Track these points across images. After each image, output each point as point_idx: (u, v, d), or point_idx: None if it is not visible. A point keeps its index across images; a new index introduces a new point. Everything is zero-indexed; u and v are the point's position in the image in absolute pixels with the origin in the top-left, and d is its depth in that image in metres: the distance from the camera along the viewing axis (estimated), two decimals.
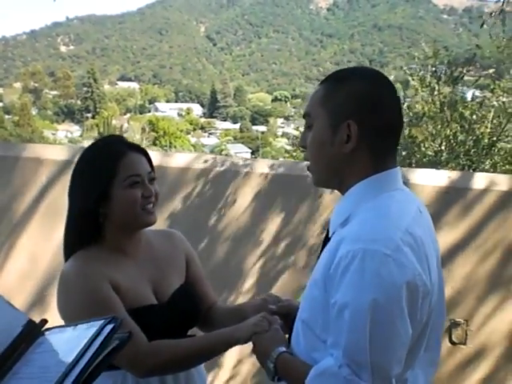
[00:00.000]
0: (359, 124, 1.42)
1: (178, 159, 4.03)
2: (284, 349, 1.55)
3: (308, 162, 1.56)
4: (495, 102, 6.61)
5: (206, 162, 3.95)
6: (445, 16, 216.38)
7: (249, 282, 3.80)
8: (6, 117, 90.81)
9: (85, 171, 1.87)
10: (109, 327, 1.17)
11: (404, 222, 1.39)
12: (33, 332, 1.27)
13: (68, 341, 1.21)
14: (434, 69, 6.91)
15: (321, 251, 1.54)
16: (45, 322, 1.31)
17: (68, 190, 1.90)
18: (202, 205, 3.88)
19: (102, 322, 1.18)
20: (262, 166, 3.88)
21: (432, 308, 1.43)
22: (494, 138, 6.43)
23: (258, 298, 1.99)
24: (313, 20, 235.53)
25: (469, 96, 7.30)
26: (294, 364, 1.51)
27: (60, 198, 4.03)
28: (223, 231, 3.85)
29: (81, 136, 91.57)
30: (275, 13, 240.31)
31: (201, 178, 3.88)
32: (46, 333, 1.28)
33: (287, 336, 1.62)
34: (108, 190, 1.81)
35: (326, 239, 1.55)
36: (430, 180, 3.49)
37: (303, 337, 1.48)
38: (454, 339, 3.36)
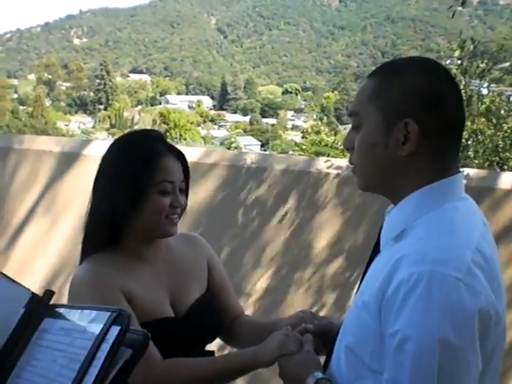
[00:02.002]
0: (418, 123, 1.25)
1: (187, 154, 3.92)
2: (321, 374, 1.36)
3: (352, 165, 1.39)
4: None
5: (214, 156, 3.83)
6: (459, 8, 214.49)
7: (258, 288, 3.67)
8: (21, 108, 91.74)
9: (122, 167, 1.69)
10: (115, 330, 0.99)
11: (473, 239, 1.23)
12: (37, 310, 1.15)
13: (72, 336, 1.06)
14: (459, 61, 6.72)
15: (367, 266, 1.39)
16: (51, 294, 1.18)
17: (96, 184, 1.74)
18: (209, 205, 3.75)
19: (107, 317, 1.01)
20: (275, 163, 3.74)
21: (500, 336, 1.26)
22: None
23: (293, 314, 1.79)
24: (324, 12, 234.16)
25: (485, 90, 7.12)
26: None
27: (63, 191, 4.02)
28: (233, 229, 3.71)
29: (93, 127, 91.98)
30: (286, 5, 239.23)
31: (209, 175, 3.75)
32: (53, 310, 1.15)
33: (325, 359, 1.45)
34: (146, 191, 1.66)
35: (375, 252, 1.38)
36: None
37: (346, 363, 1.31)
38: None
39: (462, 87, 6.39)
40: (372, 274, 1.31)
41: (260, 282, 3.65)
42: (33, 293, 1.16)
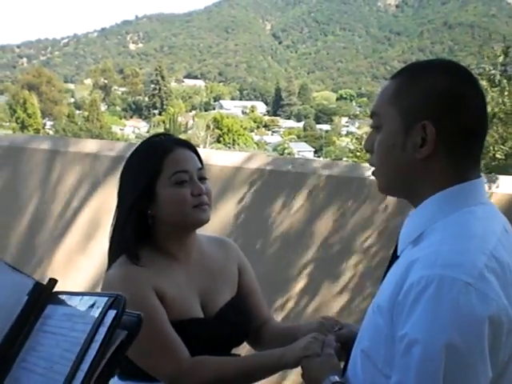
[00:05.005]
0: (437, 125, 1.23)
1: (230, 158, 3.95)
2: (337, 378, 1.37)
3: (373, 168, 1.37)
4: None
5: (256, 161, 3.85)
6: None
7: (299, 288, 3.68)
8: (77, 112, 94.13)
9: (131, 169, 1.79)
10: (112, 313, 1.03)
11: (489, 245, 1.19)
12: (41, 297, 1.18)
13: (73, 321, 1.10)
14: (504, 68, 6.55)
15: (386, 270, 1.36)
16: (54, 282, 1.20)
17: (117, 189, 1.82)
18: (253, 207, 3.78)
19: (105, 302, 1.05)
20: (317, 167, 3.74)
21: None
22: None
23: (314, 320, 1.81)
24: (381, 17, 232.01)
25: None
26: None
27: (110, 194, 4.09)
28: (275, 235, 3.73)
29: (147, 132, 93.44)
30: (342, 10, 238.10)
31: (251, 179, 3.77)
32: (56, 298, 1.19)
33: (343, 364, 1.46)
34: (153, 188, 1.72)
35: (394, 257, 1.36)
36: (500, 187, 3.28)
37: (362, 368, 1.29)
38: None
39: (506, 93, 6.23)
40: (388, 279, 1.29)
41: (307, 279, 3.66)
42: (36, 281, 1.20)
